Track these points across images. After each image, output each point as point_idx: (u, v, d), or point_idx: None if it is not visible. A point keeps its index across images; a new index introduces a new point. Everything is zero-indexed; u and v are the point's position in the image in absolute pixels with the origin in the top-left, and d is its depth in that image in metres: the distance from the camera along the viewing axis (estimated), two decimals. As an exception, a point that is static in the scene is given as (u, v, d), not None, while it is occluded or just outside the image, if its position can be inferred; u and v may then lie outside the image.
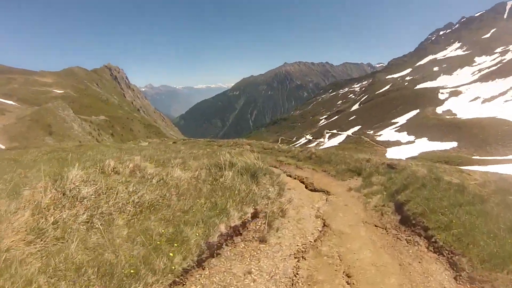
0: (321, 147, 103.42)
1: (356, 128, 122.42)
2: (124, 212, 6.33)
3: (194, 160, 11.37)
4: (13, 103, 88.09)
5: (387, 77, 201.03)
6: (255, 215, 8.21)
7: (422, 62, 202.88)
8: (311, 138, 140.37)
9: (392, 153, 72.24)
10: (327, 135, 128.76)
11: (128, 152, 14.30)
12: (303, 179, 13.61)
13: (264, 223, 7.95)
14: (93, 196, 6.26)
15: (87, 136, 78.32)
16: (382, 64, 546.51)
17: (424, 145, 67.43)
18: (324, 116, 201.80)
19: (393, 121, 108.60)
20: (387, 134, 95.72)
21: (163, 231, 5.84)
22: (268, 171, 11.57)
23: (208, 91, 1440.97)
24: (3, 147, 50.53)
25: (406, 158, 63.25)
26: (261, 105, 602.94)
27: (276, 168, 16.48)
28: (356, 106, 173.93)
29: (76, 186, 6.29)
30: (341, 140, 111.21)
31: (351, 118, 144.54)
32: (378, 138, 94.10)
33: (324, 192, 11.93)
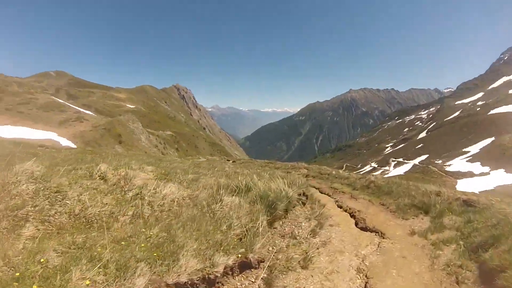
0: (386, 176, 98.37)
1: (423, 157, 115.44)
2: (31, 223, 4.97)
3: (211, 178, 9.54)
4: (91, 113, 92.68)
5: (456, 103, 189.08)
6: (244, 265, 5.58)
7: (495, 85, 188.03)
8: (376, 166, 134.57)
9: (463, 186, 66.04)
10: (393, 164, 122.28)
11: (159, 164, 13.67)
12: (355, 212, 10.72)
13: (254, 280, 5.37)
14: (28, 195, 5.39)
15: (153, 148, 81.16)
16: (450, 89, 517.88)
17: (501, 177, 60.23)
18: (390, 144, 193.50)
19: (464, 150, 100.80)
20: (457, 164, 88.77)
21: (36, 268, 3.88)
22: (311, 199, 9.29)
23: (274, 115, 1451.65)
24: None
25: (479, 192, 57.26)
26: (326, 131, 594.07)
27: (328, 196, 14.63)
28: (423, 134, 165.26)
29: (18, 180, 5.54)
30: (407, 169, 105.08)
31: (418, 146, 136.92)
32: (447, 169, 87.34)
33: (378, 233, 8.51)
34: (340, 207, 11.79)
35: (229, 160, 45.72)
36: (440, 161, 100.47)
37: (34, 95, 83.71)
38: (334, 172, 22.83)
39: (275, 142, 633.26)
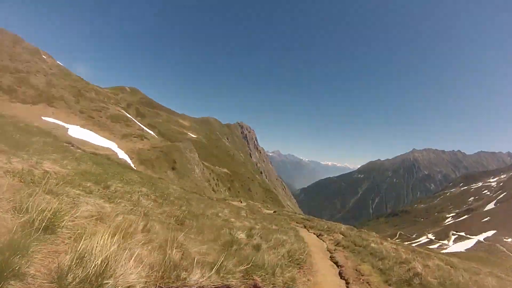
0: (444, 251, 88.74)
1: (490, 233, 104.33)
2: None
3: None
4: (154, 134, 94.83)
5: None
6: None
7: None
8: (433, 238, 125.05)
9: None
10: (453, 238, 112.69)
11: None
12: None
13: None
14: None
15: (204, 182, 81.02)
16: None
17: None
18: (452, 214, 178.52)
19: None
20: None
21: None
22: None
23: (334, 169, 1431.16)
24: (132, 165, 54.37)
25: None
26: (384, 193, 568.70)
27: (347, 283, 10.09)
28: (491, 205, 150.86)
29: None
30: (469, 246, 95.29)
31: (484, 219, 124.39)
32: None
33: None
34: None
35: (275, 211, 44.16)
36: (510, 240, 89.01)
37: (107, 105, 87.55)
38: (373, 245, 17.75)
39: (331, 198, 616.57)
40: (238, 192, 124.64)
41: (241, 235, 10.09)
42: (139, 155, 63.16)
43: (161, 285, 4.06)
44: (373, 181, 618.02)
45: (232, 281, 5.44)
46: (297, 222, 31.85)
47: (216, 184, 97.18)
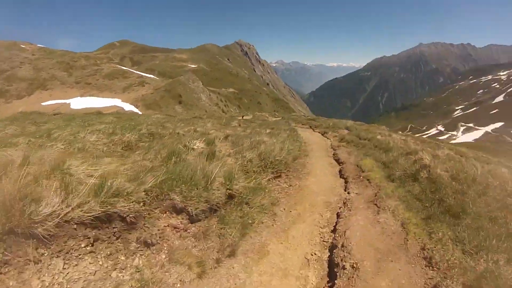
0: (452, 142, 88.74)
1: (498, 125, 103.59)
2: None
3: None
4: (154, 77, 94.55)
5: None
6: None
7: None
8: (442, 129, 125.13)
9: None
10: (462, 129, 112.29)
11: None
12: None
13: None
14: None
15: (213, 106, 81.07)
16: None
17: None
18: (461, 107, 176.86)
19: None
20: None
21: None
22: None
23: (340, 70, 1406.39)
24: (140, 112, 53.66)
25: None
26: (392, 88, 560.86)
27: (346, 182, 9.19)
28: (500, 98, 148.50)
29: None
30: (477, 137, 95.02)
31: (493, 111, 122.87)
32: None
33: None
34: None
35: (282, 118, 42.80)
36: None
37: (100, 66, 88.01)
38: (379, 137, 16.45)
39: (340, 98, 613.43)
40: (248, 107, 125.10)
41: (199, 145, 8.68)
42: (144, 101, 63.55)
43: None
44: (381, 77, 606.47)
45: (125, 205, 4.09)
46: (302, 124, 30.48)
47: (225, 105, 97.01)
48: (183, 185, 5.45)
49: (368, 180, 8.45)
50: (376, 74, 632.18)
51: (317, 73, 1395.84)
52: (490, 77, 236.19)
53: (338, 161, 11.99)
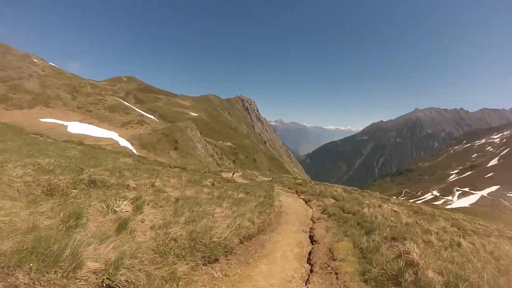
0: (448, 207, 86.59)
1: (493, 189, 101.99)
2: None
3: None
4: (154, 118, 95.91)
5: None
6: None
7: None
8: (437, 194, 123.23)
9: None
10: (457, 193, 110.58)
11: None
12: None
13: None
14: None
15: (208, 157, 79.28)
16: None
17: None
18: (455, 171, 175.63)
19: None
20: None
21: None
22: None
23: (337, 133, 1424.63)
24: (135, 152, 54.78)
25: None
26: (388, 153, 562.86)
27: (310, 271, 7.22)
28: (494, 161, 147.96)
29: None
30: (473, 201, 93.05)
31: (488, 175, 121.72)
32: None
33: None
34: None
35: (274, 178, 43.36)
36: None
37: (104, 97, 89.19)
38: (365, 211, 14.46)
39: (336, 161, 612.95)
40: (243, 163, 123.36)
41: (124, 207, 6.85)
42: (141, 140, 63.45)
43: None
44: (377, 142, 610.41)
45: None
46: (289, 188, 28.58)
47: (220, 158, 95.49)
48: (41, 263, 3.70)
49: (336, 274, 6.40)
50: (372, 138, 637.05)
51: (315, 135, 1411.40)
52: (483, 140, 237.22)
53: (312, 238, 10.01)
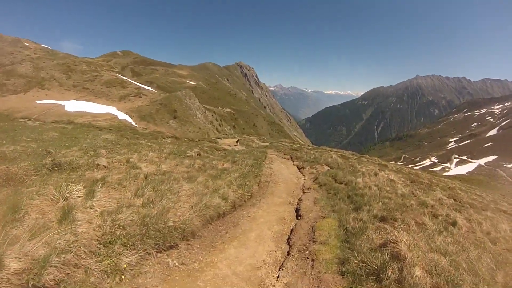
0: (446, 173, 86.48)
1: (491, 158, 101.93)
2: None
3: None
4: (152, 89, 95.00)
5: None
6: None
7: None
8: (436, 161, 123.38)
9: None
10: (455, 161, 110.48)
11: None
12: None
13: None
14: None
15: (208, 124, 78.94)
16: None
17: None
18: (455, 139, 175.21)
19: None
20: None
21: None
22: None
23: (337, 98, 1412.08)
24: (135, 124, 55.24)
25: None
26: (388, 118, 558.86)
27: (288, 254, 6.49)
28: (493, 131, 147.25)
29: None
30: (470, 169, 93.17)
31: (486, 144, 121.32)
32: None
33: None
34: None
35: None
36: (510, 165, 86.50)
37: (100, 73, 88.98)
38: (359, 180, 13.68)
39: (336, 125, 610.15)
40: (243, 128, 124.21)
41: (76, 192, 6.02)
42: (139, 112, 63.41)
43: None
44: (377, 107, 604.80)
45: None
46: (284, 153, 27.85)
47: (220, 124, 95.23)
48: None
49: (313, 261, 5.64)
50: (373, 103, 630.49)
51: (315, 99, 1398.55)
52: (484, 110, 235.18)
53: (298, 212, 9.28)
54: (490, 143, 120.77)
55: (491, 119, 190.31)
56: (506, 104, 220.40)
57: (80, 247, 4.35)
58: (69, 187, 5.97)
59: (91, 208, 5.65)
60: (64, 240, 4.27)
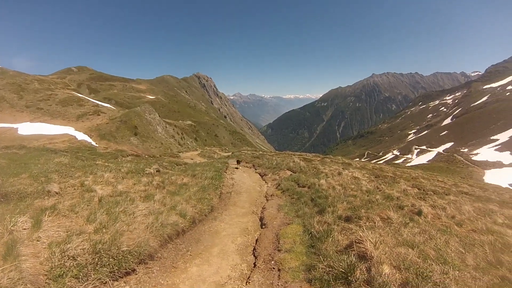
0: (408, 164, 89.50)
1: (448, 145, 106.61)
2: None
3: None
4: (110, 106, 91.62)
5: (484, 87, 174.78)
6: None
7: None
8: (398, 153, 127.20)
9: (491, 177, 58.02)
10: (416, 151, 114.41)
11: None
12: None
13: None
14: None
15: (169, 139, 77.96)
16: (478, 73, 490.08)
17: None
18: (413, 131, 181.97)
19: (492, 137, 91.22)
20: (485, 153, 79.82)
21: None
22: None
23: (297, 102, 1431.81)
24: (95, 144, 53.08)
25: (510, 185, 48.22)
26: (348, 117, 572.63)
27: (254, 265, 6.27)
28: (448, 120, 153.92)
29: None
30: (430, 158, 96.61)
31: (443, 133, 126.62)
32: (474, 158, 78.98)
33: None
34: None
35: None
36: (466, 150, 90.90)
37: (54, 91, 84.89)
38: (322, 182, 13.63)
39: (297, 129, 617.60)
40: (205, 140, 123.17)
41: (23, 225, 5.59)
42: (99, 131, 61.06)
43: None
44: (337, 107, 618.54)
45: None
46: (246, 162, 28.02)
47: (181, 138, 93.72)
48: None
49: (279, 270, 5.42)
50: (332, 104, 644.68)
51: (275, 105, 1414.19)
52: (437, 102, 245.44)
53: (262, 221, 9.04)
54: (446, 132, 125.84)
55: (445, 109, 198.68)
56: (456, 94, 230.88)
57: (26, 285, 4.02)
58: (13, 219, 5.46)
59: (37, 241, 5.18)
60: (8, 278, 3.93)
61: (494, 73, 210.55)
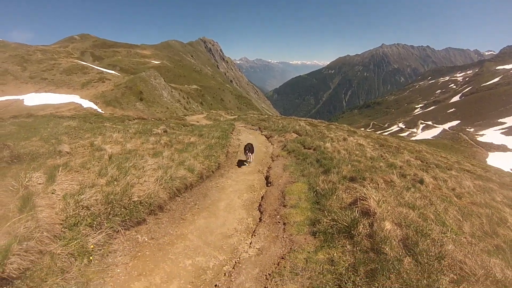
0: (413, 138, 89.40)
1: (454, 123, 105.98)
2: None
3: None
4: (115, 73, 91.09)
5: (497, 68, 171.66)
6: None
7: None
8: (403, 126, 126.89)
9: (494, 160, 57.83)
10: (421, 126, 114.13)
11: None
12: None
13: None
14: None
15: (175, 103, 77.60)
16: (492, 52, 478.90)
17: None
18: (420, 105, 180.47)
19: (500, 120, 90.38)
20: (491, 135, 79.32)
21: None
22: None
23: (303, 68, 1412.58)
24: (100, 111, 52.94)
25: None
26: (355, 86, 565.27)
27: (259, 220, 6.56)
28: (456, 98, 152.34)
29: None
30: (435, 134, 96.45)
31: (450, 110, 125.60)
32: (479, 138, 78.64)
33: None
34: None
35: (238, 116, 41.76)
36: (472, 129, 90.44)
37: (57, 61, 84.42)
38: (327, 145, 13.82)
39: (304, 95, 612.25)
40: (211, 104, 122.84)
41: (38, 180, 5.76)
42: (104, 98, 60.92)
43: None
44: (344, 75, 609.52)
45: None
46: (252, 125, 28.36)
47: (187, 102, 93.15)
48: None
49: (284, 224, 5.70)
50: (339, 72, 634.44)
51: (281, 70, 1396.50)
52: (447, 78, 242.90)
53: (268, 179, 9.34)
54: (453, 109, 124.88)
55: (454, 86, 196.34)
56: (467, 72, 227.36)
57: (43, 233, 4.24)
58: (27, 175, 5.68)
59: (52, 193, 5.43)
60: (25, 228, 4.12)
61: (509, 54, 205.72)
